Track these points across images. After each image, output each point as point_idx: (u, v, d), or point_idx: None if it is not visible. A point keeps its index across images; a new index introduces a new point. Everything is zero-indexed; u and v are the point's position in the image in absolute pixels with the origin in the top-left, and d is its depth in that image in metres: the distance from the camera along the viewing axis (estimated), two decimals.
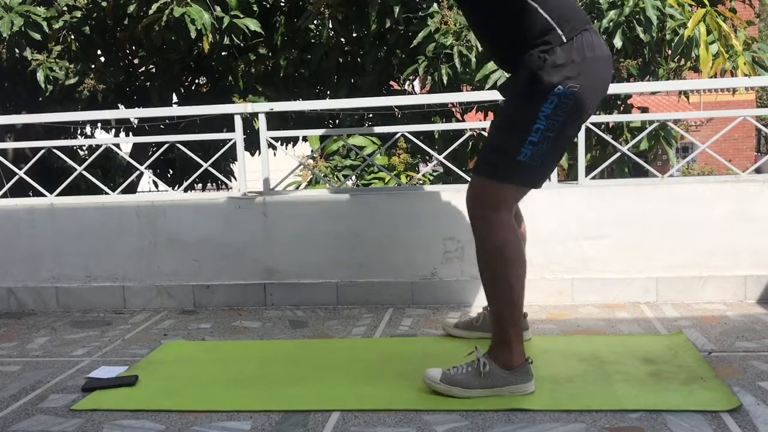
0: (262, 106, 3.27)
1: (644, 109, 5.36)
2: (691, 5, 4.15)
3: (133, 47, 5.34)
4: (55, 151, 3.46)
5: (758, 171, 3.62)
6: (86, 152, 6.83)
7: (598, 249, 3.00)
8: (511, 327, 2.02)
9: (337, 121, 5.34)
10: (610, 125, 4.66)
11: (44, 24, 4.51)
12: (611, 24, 3.97)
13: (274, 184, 3.31)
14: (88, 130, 6.96)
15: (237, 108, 3.30)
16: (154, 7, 4.16)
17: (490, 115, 4.50)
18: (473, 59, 4.01)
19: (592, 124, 3.15)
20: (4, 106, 5.99)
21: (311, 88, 5.22)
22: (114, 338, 2.82)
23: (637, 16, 3.95)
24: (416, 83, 5.27)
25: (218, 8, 4.30)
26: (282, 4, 5.07)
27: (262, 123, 3.27)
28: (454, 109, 4.93)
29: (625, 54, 4.24)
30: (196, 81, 5.89)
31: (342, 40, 4.80)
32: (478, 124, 3.41)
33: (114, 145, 3.70)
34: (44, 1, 4.69)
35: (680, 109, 13.73)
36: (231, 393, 2.15)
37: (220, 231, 3.23)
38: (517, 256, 2.03)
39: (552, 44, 1.91)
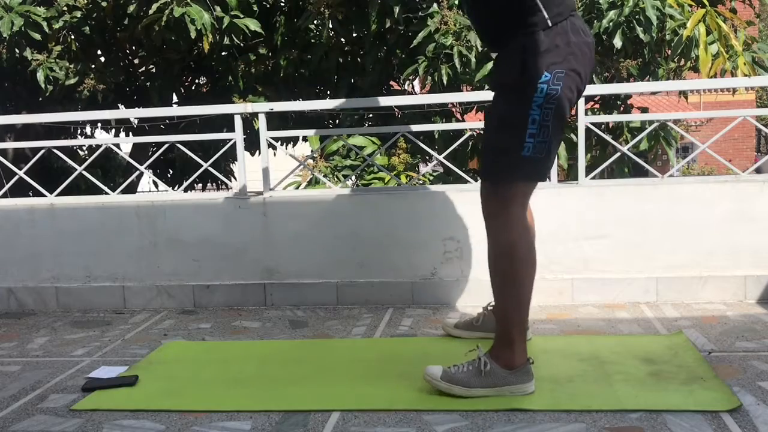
0: (262, 106, 3.27)
1: (644, 109, 5.36)
2: (690, 5, 4.15)
3: (133, 47, 5.34)
4: (55, 151, 3.46)
5: (758, 171, 3.62)
6: (86, 152, 6.82)
7: (598, 249, 3.00)
8: (515, 326, 2.02)
9: (337, 121, 5.34)
10: (610, 125, 4.65)
11: (44, 24, 4.51)
12: (611, 24, 3.96)
13: (274, 184, 3.31)
14: (88, 130, 6.96)
15: (237, 108, 3.30)
16: (154, 7, 4.16)
17: None
18: (473, 59, 4.01)
19: (592, 124, 3.15)
20: (4, 106, 5.99)
21: (311, 88, 5.22)
22: (114, 338, 2.82)
23: (637, 16, 3.95)
24: (416, 83, 5.27)
25: (218, 8, 4.29)
26: (282, 4, 5.07)
27: (262, 123, 3.27)
28: (454, 109, 4.93)
29: (625, 54, 4.24)
30: (196, 81, 5.89)
31: (342, 40, 4.80)
32: (478, 124, 3.41)
33: (114, 145, 3.70)
34: (44, 1, 4.69)
35: (680, 109, 13.73)
36: (231, 393, 2.15)
37: (220, 231, 3.23)
38: (528, 255, 2.04)
39: (536, 27, 1.91)
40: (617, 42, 3.99)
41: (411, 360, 2.34)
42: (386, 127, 4.03)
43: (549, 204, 2.97)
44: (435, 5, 4.27)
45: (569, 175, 4.22)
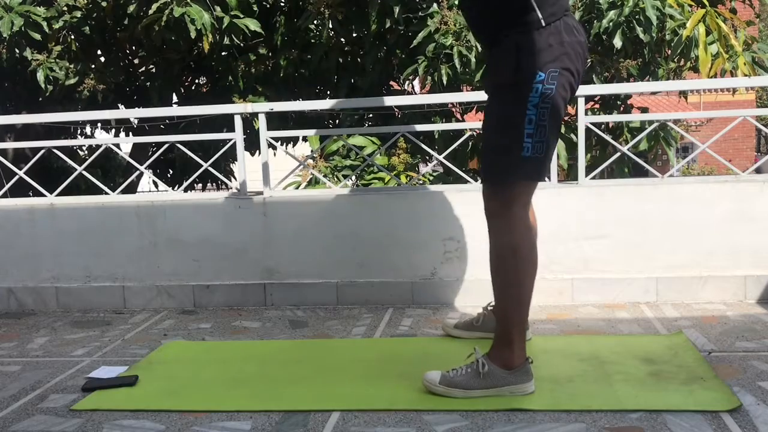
0: (262, 106, 3.27)
1: (644, 109, 5.37)
2: (690, 5, 4.15)
3: (133, 47, 5.34)
4: (55, 151, 3.46)
5: (758, 171, 3.62)
6: (86, 152, 6.82)
7: (598, 249, 3.00)
8: (515, 326, 2.02)
9: (337, 121, 5.34)
10: (610, 125, 4.65)
11: (44, 24, 4.51)
12: (611, 24, 3.96)
13: (274, 184, 3.31)
14: (88, 130, 6.96)
15: (237, 108, 3.30)
16: (154, 7, 4.15)
17: None
18: (473, 59, 4.01)
19: (592, 124, 3.15)
20: (4, 106, 5.99)
21: (311, 88, 5.21)
22: (114, 338, 2.82)
23: (636, 17, 3.95)
24: (416, 83, 5.27)
25: (218, 8, 4.29)
26: (282, 4, 5.06)
27: (262, 123, 3.27)
28: (454, 109, 4.93)
29: (625, 54, 4.24)
30: (196, 81, 5.89)
31: (342, 40, 4.80)
32: (478, 124, 3.40)
33: (114, 145, 3.70)
34: (44, 1, 4.68)
35: (680, 109, 13.73)
36: (231, 393, 2.15)
37: (220, 231, 3.23)
38: (530, 255, 2.04)
39: (530, 27, 1.91)
40: (617, 42, 3.99)
41: (411, 360, 2.34)
42: (386, 127, 4.03)
43: (549, 204, 2.97)
44: (435, 5, 4.27)
45: (569, 175, 4.22)
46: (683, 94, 5.01)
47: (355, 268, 3.15)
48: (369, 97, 4.49)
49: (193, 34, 4.11)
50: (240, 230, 3.22)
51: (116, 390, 2.21)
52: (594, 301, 3.00)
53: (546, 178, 3.02)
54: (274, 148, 3.61)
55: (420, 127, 3.40)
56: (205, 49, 4.26)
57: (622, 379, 2.09)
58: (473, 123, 3.50)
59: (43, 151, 3.46)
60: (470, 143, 4.62)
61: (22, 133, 5.67)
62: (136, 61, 5.52)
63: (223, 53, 4.96)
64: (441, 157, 3.34)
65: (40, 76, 4.63)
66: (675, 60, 4.45)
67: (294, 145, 5.88)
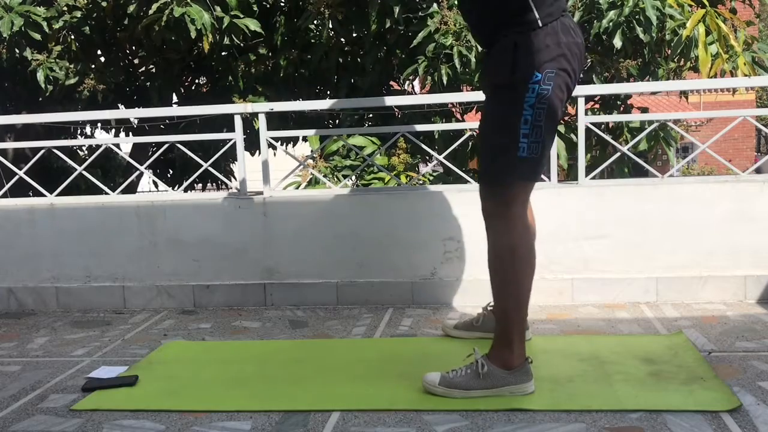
0: (262, 106, 3.27)
1: (644, 109, 5.36)
2: (690, 5, 4.15)
3: (133, 47, 5.33)
4: (55, 151, 3.46)
5: (758, 171, 3.62)
6: (86, 152, 6.82)
7: (598, 249, 3.00)
8: (514, 326, 2.02)
9: (337, 121, 5.34)
10: (610, 125, 4.65)
11: (44, 24, 4.51)
12: (611, 24, 3.96)
13: (274, 184, 3.31)
14: (88, 130, 6.96)
15: (237, 108, 3.30)
16: (154, 7, 4.15)
17: None
18: (473, 59, 4.01)
19: (592, 124, 3.15)
20: (4, 106, 5.99)
21: (311, 88, 5.21)
22: (114, 338, 2.82)
23: (636, 17, 3.95)
24: (416, 83, 5.27)
25: (218, 8, 4.29)
26: (282, 4, 5.06)
27: (262, 123, 3.27)
28: (454, 109, 4.93)
29: (625, 54, 4.24)
30: (196, 81, 5.89)
31: (342, 40, 4.80)
32: (477, 124, 3.40)
33: (114, 145, 3.70)
34: (44, 1, 4.68)
35: (680, 109, 13.72)
36: (231, 393, 2.15)
37: (220, 231, 3.23)
38: (528, 255, 2.04)
39: (527, 27, 1.91)
40: (617, 42, 3.99)
41: (411, 360, 2.34)
42: (386, 127, 4.03)
43: (549, 204, 2.97)
44: (435, 5, 4.27)
45: (569, 175, 4.21)
46: (684, 94, 5.01)
47: (355, 268, 3.15)
48: (369, 97, 4.49)
49: (193, 34, 4.11)
50: (240, 230, 3.22)
51: (116, 390, 2.21)
52: (594, 301, 3.00)
53: (546, 178, 3.02)
54: (274, 148, 3.61)
55: (420, 127, 3.40)
56: (205, 49, 4.26)
57: (622, 379, 2.09)
58: (473, 123, 3.49)
59: (43, 151, 3.46)
60: (470, 143, 4.62)
61: (22, 133, 5.67)
62: (136, 61, 5.52)
63: (223, 53, 4.96)
64: (441, 157, 3.34)
65: (40, 76, 4.63)
66: (675, 60, 4.45)
67: (294, 145, 5.88)
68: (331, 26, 4.37)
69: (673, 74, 4.69)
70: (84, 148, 6.85)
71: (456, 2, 4.09)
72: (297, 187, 4.88)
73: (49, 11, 4.60)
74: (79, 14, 4.66)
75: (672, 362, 2.22)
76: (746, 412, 1.84)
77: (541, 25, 1.91)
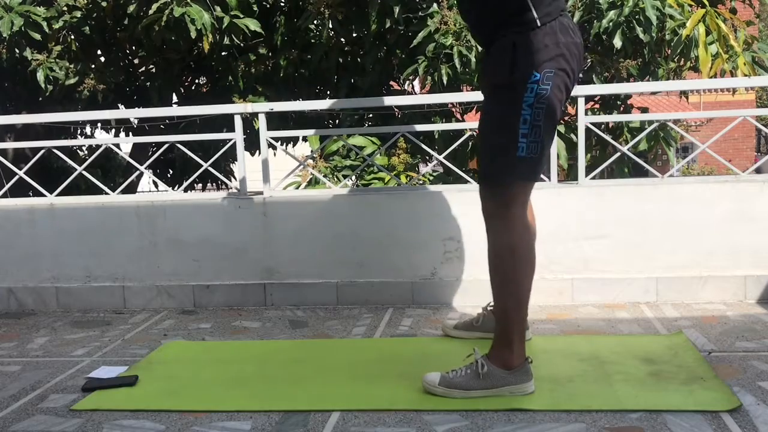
0: (262, 106, 3.27)
1: (644, 109, 5.36)
2: (690, 5, 4.15)
3: (133, 47, 5.33)
4: (55, 151, 3.46)
5: (758, 171, 3.62)
6: (86, 152, 6.82)
7: (598, 249, 3.00)
8: (514, 326, 2.02)
9: (337, 121, 5.34)
10: (610, 125, 4.65)
11: (44, 24, 4.51)
12: (611, 24, 3.96)
13: (274, 184, 3.31)
14: (88, 130, 6.96)
15: (237, 108, 3.30)
16: (154, 7, 4.15)
17: None
18: (473, 59, 4.01)
19: (592, 124, 3.15)
20: (4, 106, 5.99)
21: (311, 88, 5.21)
22: (114, 338, 2.82)
23: (636, 17, 3.95)
24: (416, 83, 5.27)
25: (218, 8, 4.29)
26: (282, 4, 5.06)
27: (262, 123, 3.27)
28: (454, 109, 4.93)
29: (625, 54, 4.24)
30: (196, 81, 5.89)
31: (342, 40, 4.80)
32: (478, 124, 3.40)
33: (114, 145, 3.70)
34: (44, 1, 4.68)
35: (680, 109, 13.73)
36: (231, 393, 2.15)
37: (220, 231, 3.23)
38: (528, 255, 2.04)
39: (526, 27, 1.91)
40: (617, 42, 3.99)
41: (411, 360, 2.34)
42: (386, 127, 4.03)
43: (549, 204, 2.97)
44: (435, 5, 4.27)
45: (569, 175, 4.22)
46: (684, 93, 5.02)
47: (355, 268, 3.15)
48: (369, 97, 4.49)
49: (193, 34, 4.11)
50: (240, 230, 3.22)
51: (116, 390, 2.21)
52: (594, 301, 3.00)
53: (546, 178, 3.02)
54: (274, 148, 3.61)
55: (420, 127, 3.40)
56: (205, 49, 4.26)
57: (622, 379, 2.09)
58: (473, 123, 3.48)
59: (43, 151, 3.46)
60: (470, 143, 4.62)
61: (22, 133, 5.66)
62: (136, 61, 5.52)
63: (223, 53, 4.96)
64: (441, 157, 3.34)
65: (40, 76, 4.63)
66: (675, 60, 4.45)
67: (294, 145, 5.88)
68: (331, 26, 4.37)
69: (673, 74, 4.69)
70: (84, 148, 6.85)
71: (456, 2, 4.09)
72: (297, 187, 4.88)
73: (49, 11, 4.60)
74: (79, 14, 4.66)
75: (672, 362, 2.22)
76: (746, 412, 1.84)
77: (539, 24, 1.91)
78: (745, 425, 1.77)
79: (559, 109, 1.99)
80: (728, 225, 2.94)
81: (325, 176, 4.58)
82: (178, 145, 3.41)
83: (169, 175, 6.92)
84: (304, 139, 5.21)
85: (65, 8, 4.62)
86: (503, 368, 2.00)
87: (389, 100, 3.57)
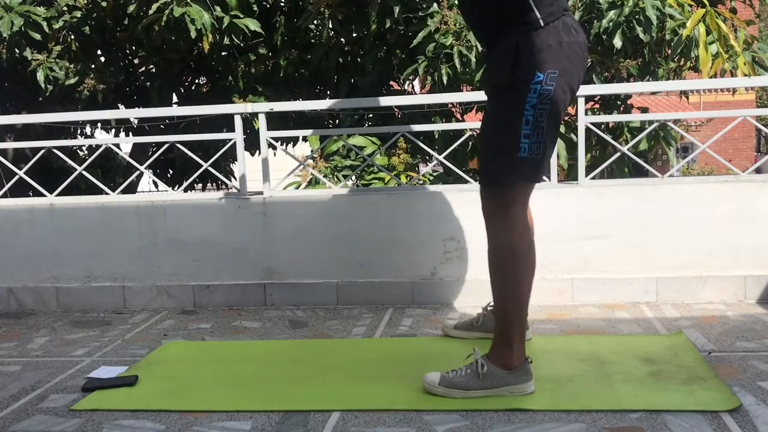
0: (262, 106, 3.27)
1: (644, 109, 5.36)
2: (690, 5, 4.15)
3: (133, 47, 5.33)
4: (55, 151, 3.46)
5: (758, 171, 3.62)
6: (86, 152, 6.82)
7: (598, 249, 3.00)
8: (514, 326, 2.02)
9: (337, 121, 5.34)
10: (610, 125, 4.65)
11: (44, 24, 4.51)
12: (611, 24, 3.96)
13: (274, 184, 3.31)
14: (88, 130, 6.96)
15: (237, 108, 3.30)
16: (154, 7, 4.15)
17: None
18: (473, 59, 4.01)
19: (592, 124, 3.15)
20: (4, 106, 5.99)
21: (311, 88, 5.21)
22: (114, 338, 2.82)
23: (636, 16, 3.95)
24: (416, 83, 5.27)
25: (218, 8, 4.29)
26: (282, 4, 5.06)
27: (262, 123, 3.27)
28: (454, 109, 4.93)
29: (625, 54, 4.24)
30: (196, 81, 5.89)
31: (342, 40, 4.80)
32: (478, 124, 3.40)
33: (114, 145, 3.70)
34: (44, 1, 4.68)
35: (680, 109, 13.73)
36: (231, 393, 2.15)
37: (220, 231, 3.23)
38: (528, 255, 2.04)
39: (529, 27, 1.90)
40: (617, 42, 3.99)
41: (411, 360, 2.34)
42: (386, 127, 4.03)
43: (549, 204, 2.97)
44: (435, 5, 4.27)
45: (569, 175, 4.22)
46: (685, 93, 5.01)
47: (355, 268, 3.15)
48: (369, 97, 4.49)
49: (193, 34, 4.11)
50: (240, 230, 3.22)
51: (116, 390, 2.21)
52: (594, 301, 3.00)
53: (546, 178, 3.02)
54: (274, 148, 3.61)
55: (420, 127, 3.40)
56: (205, 49, 4.26)
57: (622, 379, 2.09)
58: (473, 123, 3.50)
59: (43, 151, 3.46)
60: (470, 143, 4.62)
61: (22, 133, 5.67)
62: (136, 61, 5.52)
63: (223, 53, 4.96)
64: (441, 157, 3.34)
65: (40, 76, 4.63)
66: (675, 60, 4.45)
67: (294, 145, 5.88)
68: (331, 26, 4.37)
69: (673, 74, 4.69)
70: (84, 148, 6.85)
71: (456, 2, 4.09)
72: (297, 187, 4.89)
73: (49, 11, 4.60)
74: (79, 14, 4.66)
75: (672, 362, 2.22)
76: (746, 412, 1.84)
77: (542, 24, 1.90)
78: (745, 425, 1.77)
79: (563, 109, 1.99)
80: (728, 225, 2.94)
81: (325, 176, 4.58)
82: (178, 145, 3.41)
83: (169, 175, 6.92)
84: (304, 139, 5.22)
85: (65, 8, 4.62)
86: (503, 368, 2.00)
87: (389, 100, 3.57)
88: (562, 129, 4.28)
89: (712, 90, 15.50)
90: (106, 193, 3.38)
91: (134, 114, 4.22)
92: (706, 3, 4.05)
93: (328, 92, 5.29)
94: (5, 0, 4.43)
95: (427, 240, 3.09)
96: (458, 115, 5.00)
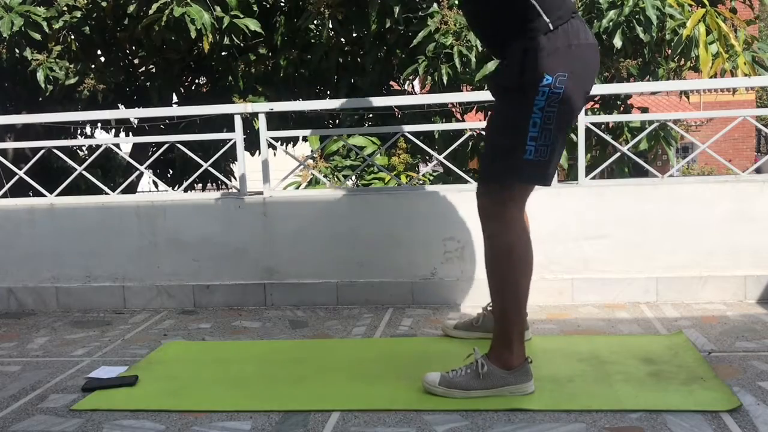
0: (262, 106, 3.27)
1: (644, 109, 5.36)
2: (690, 5, 4.15)
3: (133, 47, 5.34)
4: (55, 151, 3.46)
5: (758, 171, 3.62)
6: (86, 152, 6.82)
7: (598, 249, 3.00)
8: (513, 327, 2.02)
9: (337, 121, 5.34)
10: (610, 125, 4.65)
11: (44, 24, 4.51)
12: (611, 24, 3.97)
13: (274, 184, 3.31)
14: (88, 130, 6.96)
15: (237, 108, 3.30)
16: (154, 7, 4.16)
17: (490, 115, 4.48)
18: (473, 59, 4.01)
19: (592, 124, 3.15)
20: (4, 106, 5.99)
21: (311, 88, 5.21)
22: (114, 338, 2.82)
23: (637, 16, 3.95)
24: (416, 83, 5.27)
25: (218, 8, 4.29)
26: (282, 4, 5.06)
27: (262, 123, 3.27)
28: (454, 109, 4.93)
29: (625, 54, 4.24)
30: (196, 81, 5.89)
31: (342, 40, 4.80)
32: (478, 124, 3.41)
33: (114, 145, 3.70)
34: (44, 1, 4.69)
35: (680, 109, 13.73)
36: (231, 393, 2.15)
37: (220, 231, 3.23)
38: (525, 255, 2.04)
39: (538, 32, 1.90)
40: (617, 42, 3.99)
41: (411, 360, 2.34)
42: (386, 127, 4.03)
43: (549, 204, 2.97)
44: (435, 5, 4.27)
45: (569, 175, 4.22)
46: (685, 93, 5.02)
47: (355, 268, 3.15)
48: (369, 97, 4.49)
49: (193, 34, 4.11)
50: (240, 230, 3.22)
51: (116, 390, 2.21)
52: (594, 301, 3.00)
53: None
54: (274, 148, 3.61)
55: (420, 127, 3.40)
56: (205, 49, 4.26)
57: (622, 379, 2.09)
58: (473, 123, 3.50)
59: (43, 151, 3.46)
60: (470, 143, 4.63)
61: (22, 133, 5.67)
62: (136, 61, 5.52)
63: (223, 53, 4.96)
64: (441, 157, 3.34)
65: (40, 76, 4.63)
66: (675, 60, 4.45)
67: (294, 145, 5.88)
68: (331, 26, 4.37)
69: (673, 74, 4.69)
70: (84, 148, 6.85)
71: (456, 2, 4.09)
72: (297, 187, 4.89)
73: (49, 11, 4.61)
74: (79, 14, 4.66)
75: (672, 362, 2.22)
76: (746, 412, 1.84)
77: (552, 28, 1.90)
78: (745, 425, 1.77)
79: (574, 113, 1.98)
80: (728, 225, 2.94)
81: (325, 176, 4.59)
82: (178, 145, 3.42)
83: (169, 175, 6.92)
84: (304, 139, 5.22)
85: (65, 8, 4.62)
86: (503, 368, 2.00)
87: (389, 100, 3.57)
88: None
89: (712, 90, 15.50)
90: (106, 193, 3.38)
91: (134, 114, 4.22)
92: (706, 3, 4.05)
93: (328, 92, 5.29)
94: (5, 0, 4.43)
95: (427, 240, 3.09)
96: (458, 115, 5.00)
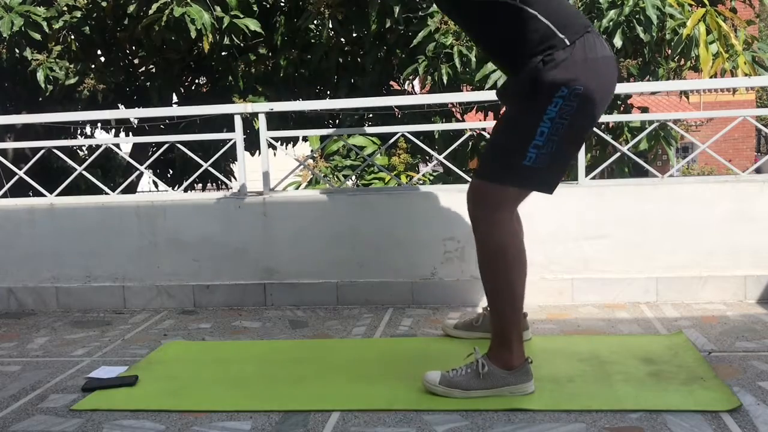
0: (262, 106, 3.27)
1: (644, 109, 5.36)
2: (691, 5, 4.15)
3: (133, 47, 5.34)
4: (55, 151, 3.46)
5: (758, 171, 3.62)
6: (86, 152, 6.83)
7: (598, 249, 2.99)
8: (511, 327, 2.02)
9: (337, 121, 5.34)
10: (610, 125, 4.66)
11: (44, 24, 4.51)
12: (611, 24, 3.97)
13: (274, 184, 3.31)
14: (88, 130, 6.96)
15: (237, 108, 3.30)
16: (154, 7, 4.16)
17: (490, 115, 4.50)
18: (473, 59, 4.01)
19: None
20: (4, 106, 5.99)
21: (311, 88, 5.22)
22: (114, 338, 2.82)
23: (637, 16, 3.95)
24: (416, 83, 5.27)
25: (218, 8, 4.30)
26: (282, 4, 5.07)
27: (262, 123, 3.27)
28: (454, 109, 4.93)
29: (625, 54, 4.24)
30: (196, 81, 5.89)
31: (342, 40, 4.80)
32: (478, 124, 3.41)
33: (114, 145, 3.70)
34: (44, 1, 4.69)
35: (680, 109, 13.73)
36: (231, 393, 2.15)
37: (220, 231, 3.23)
38: (518, 256, 2.03)
39: (556, 48, 1.89)
40: (617, 42, 3.99)
41: (411, 360, 2.34)
42: (386, 127, 4.03)
43: (548, 204, 2.97)
44: (435, 5, 4.27)
45: (569, 175, 4.21)
46: (685, 93, 5.02)
47: (355, 268, 3.15)
48: (369, 97, 4.49)
49: (193, 34, 4.12)
50: (240, 230, 3.22)
51: (116, 390, 2.21)
52: (594, 301, 3.00)
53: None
54: (274, 148, 3.61)
55: (420, 127, 3.40)
56: (205, 49, 4.26)
57: (622, 379, 2.09)
58: (473, 123, 3.50)
59: (43, 151, 3.46)
60: (470, 143, 4.63)
61: (22, 133, 5.67)
62: (136, 61, 5.52)
63: (223, 53, 4.96)
64: (441, 157, 3.34)
65: (40, 76, 4.63)
66: (675, 59, 4.45)
67: (294, 145, 5.89)
68: (331, 26, 4.37)
69: (674, 74, 4.69)
70: (84, 148, 6.86)
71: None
72: (297, 187, 4.89)
73: (49, 11, 4.61)
74: (79, 14, 4.66)
75: (672, 362, 2.22)
76: (746, 412, 1.84)
77: (568, 43, 1.89)
78: (745, 425, 1.77)
79: (586, 127, 1.97)
80: (728, 225, 2.94)
81: (325, 176, 4.59)
82: (178, 145, 3.42)
83: (169, 175, 6.93)
84: (304, 139, 5.22)
85: (65, 8, 4.62)
86: (503, 368, 2.00)
87: (389, 100, 3.58)
88: None
89: (712, 90, 15.50)
90: (106, 193, 3.38)
91: (134, 114, 4.22)
92: (706, 2, 4.06)
93: (328, 92, 5.30)
94: (5, 0, 4.43)
95: (427, 240, 3.09)
96: (458, 115, 5.01)
